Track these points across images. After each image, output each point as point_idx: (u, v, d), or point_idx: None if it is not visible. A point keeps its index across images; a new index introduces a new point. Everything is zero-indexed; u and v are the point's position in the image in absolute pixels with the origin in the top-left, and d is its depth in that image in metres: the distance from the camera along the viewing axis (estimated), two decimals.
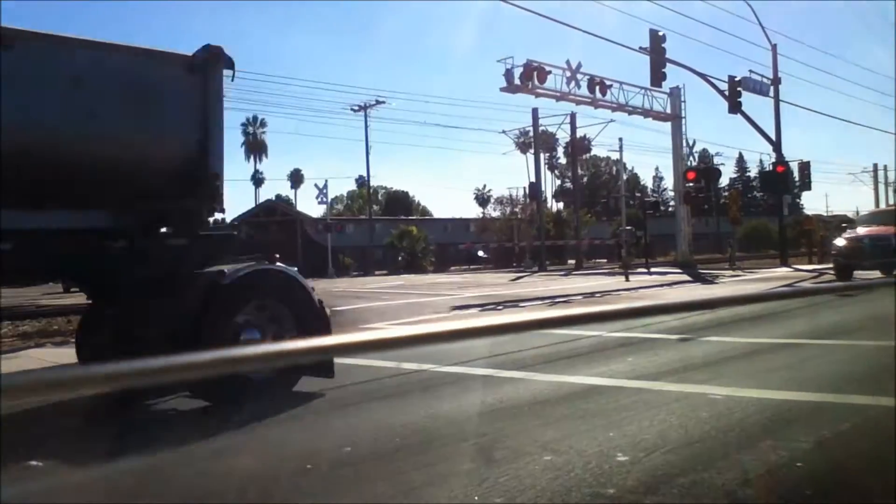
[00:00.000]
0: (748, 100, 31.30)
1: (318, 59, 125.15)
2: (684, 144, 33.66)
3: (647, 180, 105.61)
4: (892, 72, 76.50)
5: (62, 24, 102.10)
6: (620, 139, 48.40)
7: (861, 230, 20.09)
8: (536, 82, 26.16)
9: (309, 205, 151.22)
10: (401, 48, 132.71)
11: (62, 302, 26.19)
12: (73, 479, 4.39)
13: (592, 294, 19.88)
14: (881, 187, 68.54)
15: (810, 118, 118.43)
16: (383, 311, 16.76)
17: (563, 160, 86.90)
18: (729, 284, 23.06)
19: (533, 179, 45.48)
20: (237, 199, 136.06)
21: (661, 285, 22.89)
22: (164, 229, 7.40)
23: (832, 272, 21.55)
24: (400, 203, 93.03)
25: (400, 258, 47.72)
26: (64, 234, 6.60)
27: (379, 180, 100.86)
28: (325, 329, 6.90)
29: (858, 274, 19.22)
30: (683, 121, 32.08)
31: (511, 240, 48.64)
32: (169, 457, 4.86)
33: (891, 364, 6.84)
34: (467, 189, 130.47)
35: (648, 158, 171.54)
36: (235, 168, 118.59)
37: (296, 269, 7.26)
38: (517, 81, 25.82)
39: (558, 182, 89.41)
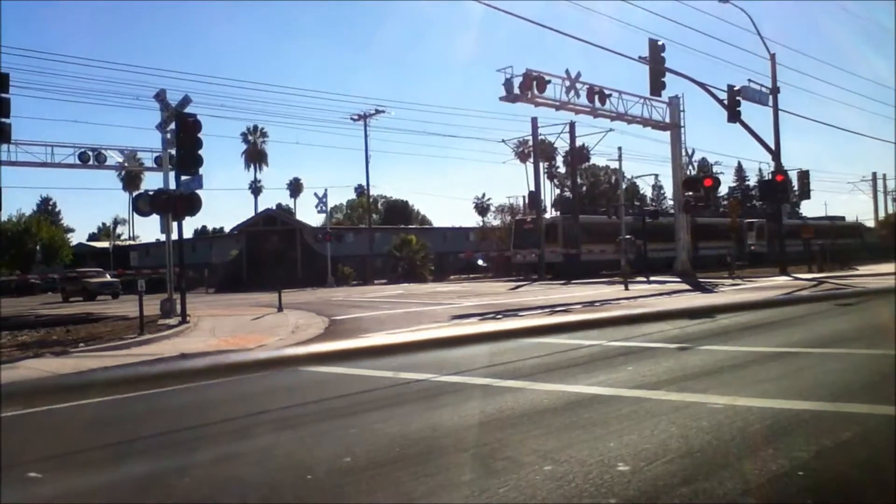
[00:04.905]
0: (747, 109, 31.45)
1: (319, 68, 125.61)
2: (683, 153, 33.71)
3: (646, 189, 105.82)
4: (889, 81, 76.91)
5: (62, 24, 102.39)
6: (620, 148, 48.35)
7: None
8: (536, 91, 26.22)
9: (309, 214, 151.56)
10: (400, 57, 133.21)
11: (61, 311, 26.22)
12: (73, 489, 4.39)
13: (592, 303, 19.88)
14: (880, 196, 68.70)
15: (809, 127, 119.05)
16: (383, 320, 16.75)
17: (562, 169, 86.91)
18: (729, 293, 23.06)
19: (532, 188, 45.70)
20: (236, 208, 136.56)
21: (661, 294, 22.89)
22: None
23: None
24: (399, 212, 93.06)
25: (399, 267, 47.69)
26: None
27: (378, 189, 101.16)
28: None
29: (857, 282, 19.11)
30: (682, 130, 32.15)
31: (510, 248, 48.61)
32: (168, 465, 4.86)
33: (889, 373, 6.85)
34: (467, 198, 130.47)
35: (648, 167, 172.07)
36: (235, 177, 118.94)
37: None
38: (516, 91, 25.88)
39: (558, 191, 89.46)
